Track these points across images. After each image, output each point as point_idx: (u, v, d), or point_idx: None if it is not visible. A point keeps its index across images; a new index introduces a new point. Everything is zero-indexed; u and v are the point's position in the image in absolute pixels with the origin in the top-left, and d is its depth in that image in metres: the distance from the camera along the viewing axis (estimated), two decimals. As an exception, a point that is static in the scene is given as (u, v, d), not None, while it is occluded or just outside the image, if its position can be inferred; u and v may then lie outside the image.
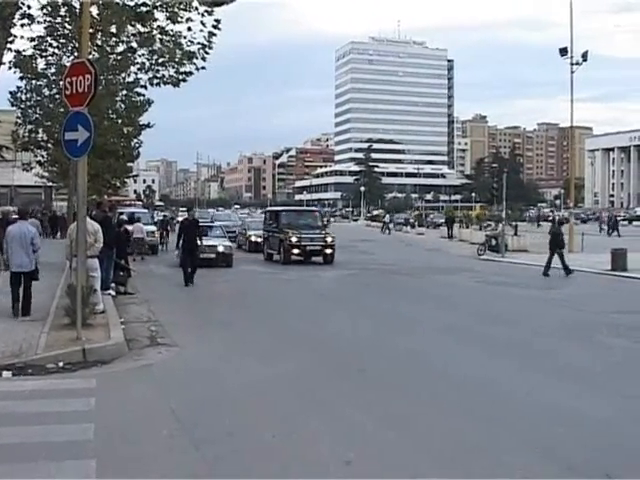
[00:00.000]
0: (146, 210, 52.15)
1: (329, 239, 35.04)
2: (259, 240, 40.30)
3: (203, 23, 22.15)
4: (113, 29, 22.97)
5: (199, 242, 25.67)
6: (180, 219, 53.98)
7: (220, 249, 31.84)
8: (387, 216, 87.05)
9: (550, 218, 67.93)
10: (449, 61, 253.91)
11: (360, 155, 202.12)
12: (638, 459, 7.51)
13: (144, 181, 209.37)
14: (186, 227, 25.75)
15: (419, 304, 20.85)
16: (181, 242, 25.41)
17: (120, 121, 34.03)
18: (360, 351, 13.57)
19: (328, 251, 34.78)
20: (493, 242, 41.64)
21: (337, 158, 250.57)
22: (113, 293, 20.56)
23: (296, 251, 34.28)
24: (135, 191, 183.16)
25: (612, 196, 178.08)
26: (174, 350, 13.34)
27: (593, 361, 12.65)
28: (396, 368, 12.01)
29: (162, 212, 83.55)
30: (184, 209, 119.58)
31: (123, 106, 31.84)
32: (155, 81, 23.66)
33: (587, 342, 14.46)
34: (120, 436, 8.05)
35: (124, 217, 29.10)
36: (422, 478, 6.92)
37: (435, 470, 7.16)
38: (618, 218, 73.23)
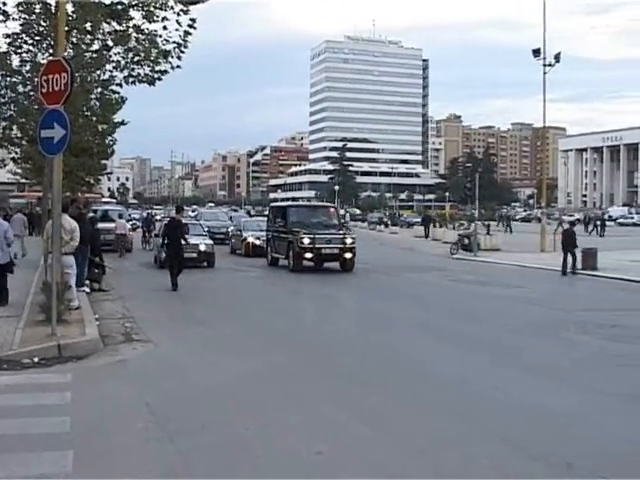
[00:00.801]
0: (120, 207, 51.72)
1: (349, 240, 29.48)
2: (258, 242, 36.57)
3: (179, 22, 22.29)
4: (88, 27, 23.01)
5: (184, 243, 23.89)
6: (159, 217, 53.78)
7: (202, 248, 30.37)
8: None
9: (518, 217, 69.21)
10: (424, 60, 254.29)
11: (335, 154, 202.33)
12: (597, 449, 7.75)
13: (118, 179, 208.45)
14: (172, 228, 23.74)
15: (393, 302, 21.09)
16: (166, 243, 23.65)
17: (95, 119, 34.02)
18: (335, 348, 13.77)
19: (347, 255, 29.32)
20: (466, 241, 41.90)
21: (311, 157, 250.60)
22: (88, 290, 20.62)
23: (308, 255, 29.21)
24: (109, 189, 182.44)
25: (585, 196, 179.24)
26: (148, 346, 13.48)
27: (559, 357, 12.92)
28: (371, 364, 12.20)
29: (147, 210, 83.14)
30: (159, 207, 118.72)
31: (98, 104, 31.83)
32: (130, 79, 23.73)
33: (555, 339, 14.75)
34: (96, 429, 8.21)
35: (96, 215, 29.41)
36: (391, 469, 7.14)
37: (404, 461, 7.37)
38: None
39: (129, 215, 55.88)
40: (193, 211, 65.79)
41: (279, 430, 8.34)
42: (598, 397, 10.07)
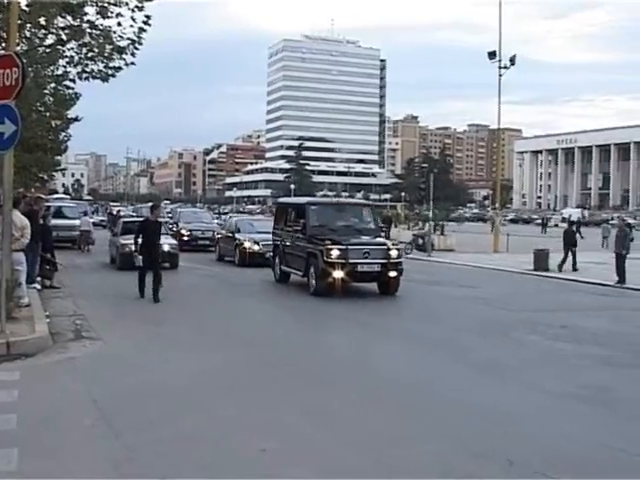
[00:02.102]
0: (74, 204, 50.92)
1: (394, 253, 21.41)
2: (256, 249, 30.12)
3: (133, 19, 22.09)
4: (43, 21, 22.76)
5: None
6: (122, 214, 52.08)
7: (165, 248, 26.52)
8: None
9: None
10: (382, 61, 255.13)
11: (291, 153, 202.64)
12: (539, 447, 7.87)
13: (73, 175, 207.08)
14: (147, 229, 20.67)
15: (340, 302, 21.14)
16: (139, 247, 20.58)
17: (48, 114, 33.67)
18: (285, 347, 13.81)
19: (392, 274, 21.21)
20: (420, 241, 42.17)
21: (268, 155, 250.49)
22: (38, 287, 20.44)
23: (339, 274, 20.72)
24: (64, 184, 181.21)
25: (539, 198, 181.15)
26: (98, 343, 13.43)
27: (507, 357, 13.11)
28: (321, 363, 12.29)
29: (116, 206, 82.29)
30: (116, 203, 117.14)
31: (52, 99, 31.51)
32: (84, 75, 23.49)
33: (503, 339, 14.95)
34: (42, 426, 8.19)
35: (49, 212, 29.07)
36: (335, 466, 7.23)
37: (349, 458, 7.47)
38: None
39: (93, 213, 55.72)
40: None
41: (225, 427, 8.39)
42: (543, 396, 10.25)
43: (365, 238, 22.20)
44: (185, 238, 38.13)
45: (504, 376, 11.51)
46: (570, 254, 31.08)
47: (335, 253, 20.73)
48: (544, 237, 58.36)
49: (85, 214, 41.96)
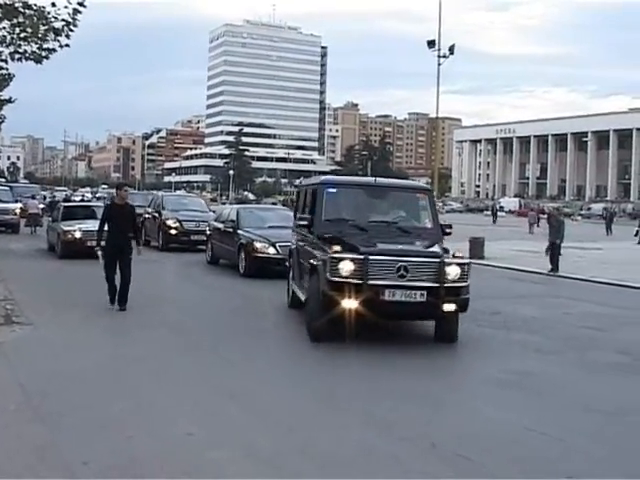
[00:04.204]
0: (7, 188, 49.83)
1: (452, 271, 12.45)
2: (272, 253, 21.45)
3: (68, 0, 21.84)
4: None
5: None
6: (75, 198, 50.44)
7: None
8: None
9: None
10: (323, 48, 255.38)
11: (231, 138, 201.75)
12: (462, 430, 8.05)
13: (8, 157, 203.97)
14: (115, 215, 15.90)
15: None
16: (105, 238, 16.01)
17: (-20, 95, 33.08)
18: (212, 331, 13.75)
19: (447, 307, 12.42)
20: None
21: (208, 141, 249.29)
22: (-32, 271, 20.17)
23: (352, 303, 12.06)
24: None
25: (478, 187, 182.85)
26: (28, 328, 13.22)
27: (432, 343, 13.16)
28: (244, 345, 12.29)
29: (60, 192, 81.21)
30: (61, 188, 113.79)
31: (-17, 79, 30.98)
32: (17, 56, 23.19)
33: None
34: (-35, 410, 8.07)
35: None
36: (261, 448, 7.27)
37: (274, 441, 7.53)
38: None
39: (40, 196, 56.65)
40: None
41: (152, 411, 8.39)
42: (467, 381, 10.44)
43: (406, 244, 13.35)
44: (172, 232, 30.02)
45: (429, 361, 11.76)
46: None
47: (345, 267, 12.07)
48: (495, 227, 58.57)
49: (33, 197, 44.11)
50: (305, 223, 14.73)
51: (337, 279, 12.11)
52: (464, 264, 12.68)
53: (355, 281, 12.02)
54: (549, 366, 11.60)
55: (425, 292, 12.21)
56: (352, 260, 12.08)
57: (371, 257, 12.16)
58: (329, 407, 8.88)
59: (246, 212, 25.72)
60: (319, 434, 7.80)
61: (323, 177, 17.20)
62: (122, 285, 15.60)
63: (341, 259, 12.12)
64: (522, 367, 11.35)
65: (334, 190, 15.08)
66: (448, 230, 14.69)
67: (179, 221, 30.08)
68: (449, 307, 12.40)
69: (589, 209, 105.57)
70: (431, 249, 13.19)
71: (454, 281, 12.42)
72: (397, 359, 11.57)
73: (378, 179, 16.06)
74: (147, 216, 32.14)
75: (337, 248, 12.41)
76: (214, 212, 32.57)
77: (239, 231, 23.24)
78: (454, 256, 12.74)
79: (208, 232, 26.81)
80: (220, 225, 25.57)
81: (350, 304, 12.02)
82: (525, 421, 8.48)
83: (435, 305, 12.24)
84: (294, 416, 8.48)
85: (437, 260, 12.36)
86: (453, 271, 12.40)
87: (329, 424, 8.20)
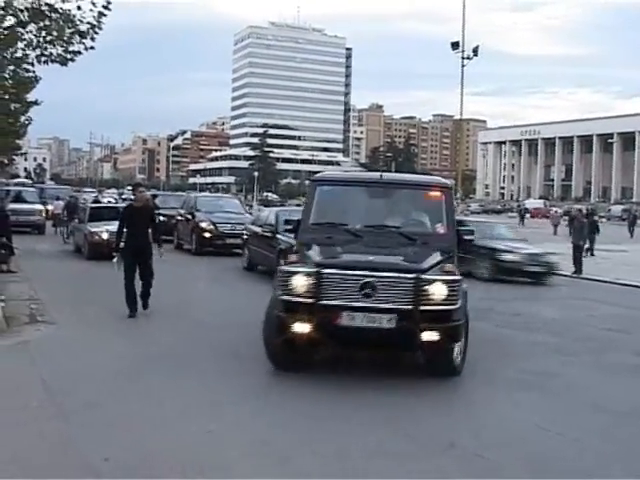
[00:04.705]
0: (33, 189, 50.26)
1: (435, 290, 9.90)
2: None
3: (93, 3, 21.99)
4: (1, 2, 22.60)
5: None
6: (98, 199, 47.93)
7: (104, 236, 24.28)
8: None
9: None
10: (347, 49, 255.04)
11: (256, 140, 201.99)
12: (478, 430, 8.09)
13: (35, 159, 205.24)
14: (133, 216, 15.37)
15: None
16: (124, 240, 15.30)
17: (7, 97, 33.36)
18: (237, 336, 13.73)
19: (427, 336, 9.87)
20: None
21: (232, 142, 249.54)
22: (-6, 271, 20.33)
23: (304, 328, 9.92)
24: (25, 169, 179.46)
25: (503, 188, 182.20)
26: (52, 328, 13.41)
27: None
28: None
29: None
30: (89, 189, 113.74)
31: (10, 82, 31.23)
32: (43, 59, 23.36)
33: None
34: (-10, 407, 8.24)
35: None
36: (274, 447, 7.34)
37: (291, 439, 7.61)
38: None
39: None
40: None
41: (172, 410, 8.49)
42: (484, 382, 10.53)
43: (385, 255, 10.90)
44: (206, 235, 28.46)
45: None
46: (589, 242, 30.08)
47: (298, 283, 9.99)
48: (521, 229, 58.16)
49: (58, 198, 42.23)
50: (290, 227, 12.67)
51: (287, 297, 9.96)
52: (452, 281, 9.99)
53: (307, 300, 9.81)
54: (567, 367, 11.67)
55: (395, 316, 9.70)
56: (305, 274, 9.87)
57: (325, 271, 9.84)
58: (354, 406, 8.97)
59: (286, 215, 19.98)
60: (334, 437, 7.89)
61: (324, 174, 14.13)
62: (144, 285, 15.26)
63: (292, 273, 10.02)
64: (540, 368, 11.40)
65: (328, 188, 12.74)
66: (468, 237, 12.12)
67: (213, 223, 28.40)
68: (430, 336, 9.77)
69: (609, 211, 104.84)
70: (411, 262, 10.50)
71: (438, 303, 9.80)
72: (413, 358, 11.03)
73: (386, 174, 13.66)
74: (180, 218, 31.14)
75: (293, 258, 10.82)
76: (251, 214, 31.35)
77: (278, 235, 21.14)
78: (445, 271, 10.19)
79: (245, 236, 25.25)
80: (258, 229, 23.84)
81: (302, 328, 9.84)
82: (541, 421, 8.57)
83: (410, 333, 9.75)
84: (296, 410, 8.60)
85: (411, 276, 9.78)
86: (437, 290, 9.79)
87: (349, 423, 8.27)
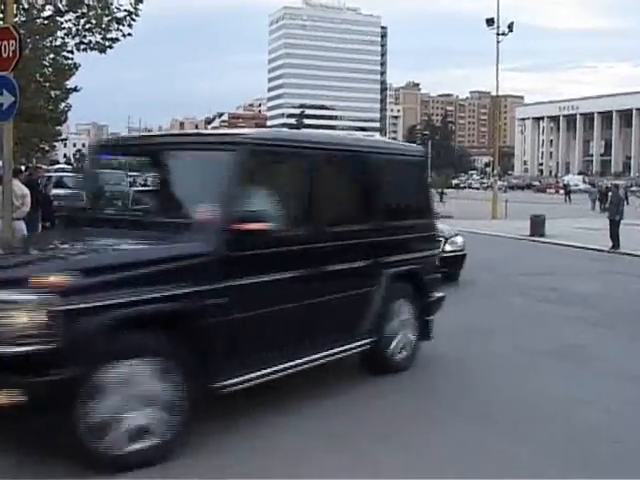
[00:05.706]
0: (74, 174, 50.50)
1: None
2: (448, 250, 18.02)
3: (130, -10, 22.33)
4: (41, -8, 23.00)
5: None
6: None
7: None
8: None
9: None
10: (383, 28, 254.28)
11: (292, 121, 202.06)
12: (511, 400, 8.37)
13: (74, 145, 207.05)
14: None
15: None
16: None
17: (47, 84, 33.79)
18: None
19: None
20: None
21: (269, 123, 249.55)
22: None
23: None
24: (65, 155, 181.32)
25: (541, 164, 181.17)
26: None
27: (489, 318, 13.37)
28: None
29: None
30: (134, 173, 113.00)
31: (50, 70, 31.64)
32: (82, 47, 23.72)
33: (488, 301, 15.35)
34: None
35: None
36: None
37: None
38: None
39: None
40: None
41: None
42: (518, 353, 10.69)
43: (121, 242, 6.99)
44: None
45: (487, 334, 11.89)
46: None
47: None
48: (557, 205, 57.60)
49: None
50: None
51: None
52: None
53: None
54: (600, 339, 11.82)
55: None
56: None
57: None
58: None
59: None
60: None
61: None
62: None
63: None
64: (574, 340, 11.53)
65: (99, 158, 9.79)
66: (255, 226, 6.72)
67: None
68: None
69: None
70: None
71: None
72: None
73: (170, 132, 9.04)
74: None
75: None
76: None
77: None
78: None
79: None
80: None
81: None
82: (573, 391, 8.78)
83: None
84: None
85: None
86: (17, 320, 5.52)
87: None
